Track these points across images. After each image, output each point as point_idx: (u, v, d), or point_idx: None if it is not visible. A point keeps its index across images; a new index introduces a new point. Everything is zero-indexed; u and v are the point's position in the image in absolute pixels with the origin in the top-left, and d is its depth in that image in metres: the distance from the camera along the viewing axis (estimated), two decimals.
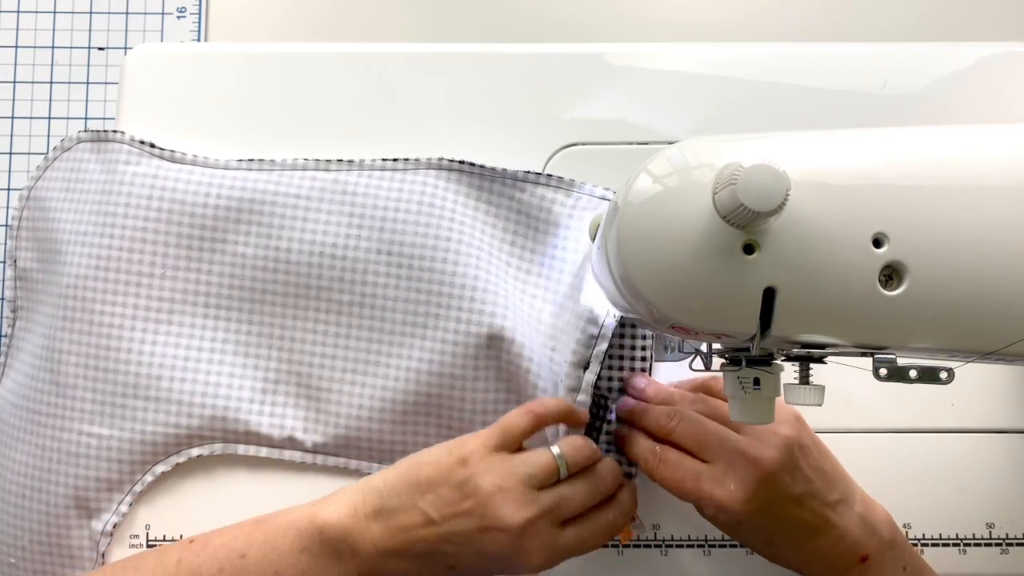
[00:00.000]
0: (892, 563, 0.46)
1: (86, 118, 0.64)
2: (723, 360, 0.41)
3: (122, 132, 0.53)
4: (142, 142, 0.53)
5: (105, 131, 0.54)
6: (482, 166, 0.53)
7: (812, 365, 0.39)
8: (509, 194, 0.53)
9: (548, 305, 0.53)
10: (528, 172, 0.52)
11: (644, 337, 0.51)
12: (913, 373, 0.35)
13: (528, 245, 0.53)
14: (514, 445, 0.46)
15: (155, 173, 0.52)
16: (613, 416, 0.50)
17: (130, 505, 0.51)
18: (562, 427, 0.48)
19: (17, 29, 0.65)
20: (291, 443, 0.52)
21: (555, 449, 0.45)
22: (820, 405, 0.39)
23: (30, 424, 0.51)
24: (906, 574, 0.46)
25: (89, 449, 0.50)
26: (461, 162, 0.53)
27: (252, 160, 0.53)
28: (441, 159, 0.53)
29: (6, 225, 0.63)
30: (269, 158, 0.53)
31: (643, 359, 0.51)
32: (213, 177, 0.52)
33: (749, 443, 0.45)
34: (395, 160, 0.53)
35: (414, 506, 0.44)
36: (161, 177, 0.52)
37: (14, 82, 0.65)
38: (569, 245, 0.53)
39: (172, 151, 0.53)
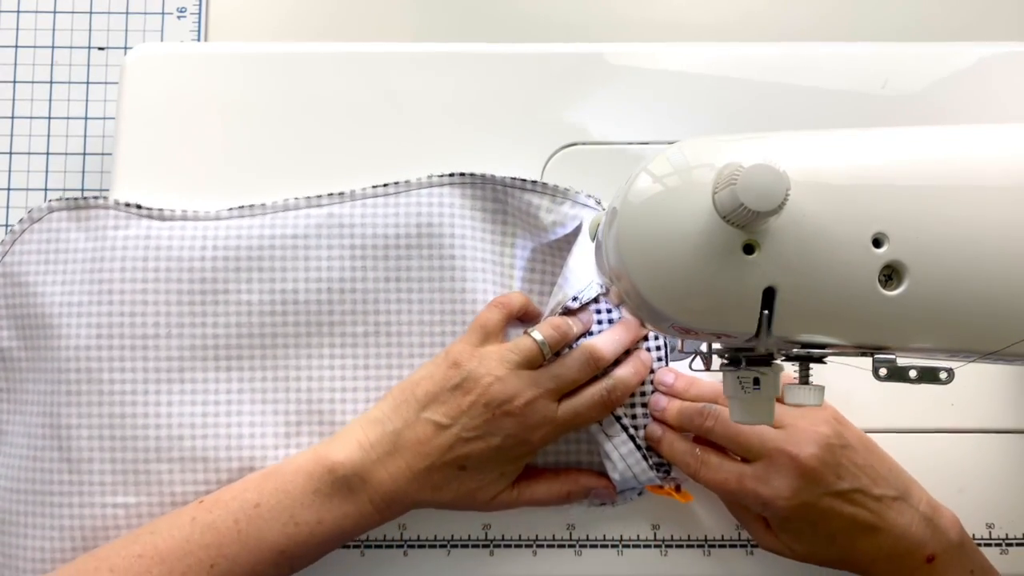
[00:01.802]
0: (960, 565, 0.46)
1: (86, 118, 0.64)
2: (723, 360, 0.41)
3: (104, 198, 0.52)
4: (127, 204, 0.52)
5: (85, 199, 0.52)
6: (472, 174, 0.52)
7: (812, 365, 0.39)
8: (502, 199, 0.52)
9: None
10: (515, 178, 0.52)
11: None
12: (913, 373, 0.35)
13: (528, 246, 0.53)
14: (494, 340, 0.48)
15: (147, 234, 0.51)
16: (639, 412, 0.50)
17: None
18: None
19: (17, 29, 0.65)
20: None
21: (536, 334, 0.47)
22: (820, 405, 0.39)
23: (41, 507, 0.49)
24: None
25: (117, 520, 0.49)
26: (451, 175, 0.52)
27: (243, 207, 0.52)
28: (431, 176, 0.52)
29: (6, 225, 0.63)
30: (259, 203, 0.52)
31: (658, 348, 0.51)
32: (207, 230, 0.52)
33: (788, 440, 0.45)
34: (385, 185, 0.52)
35: (418, 419, 0.46)
36: (154, 237, 0.51)
37: (14, 82, 0.65)
38: (564, 246, 0.53)
39: (160, 210, 0.52)
